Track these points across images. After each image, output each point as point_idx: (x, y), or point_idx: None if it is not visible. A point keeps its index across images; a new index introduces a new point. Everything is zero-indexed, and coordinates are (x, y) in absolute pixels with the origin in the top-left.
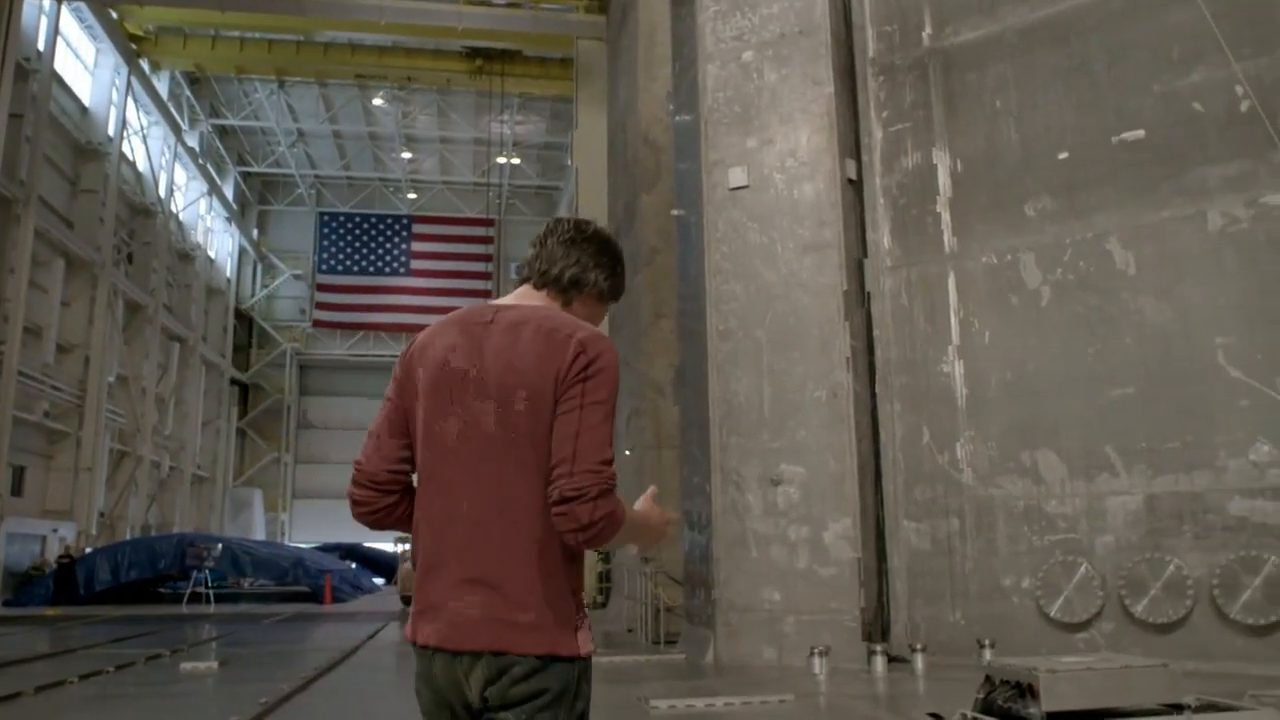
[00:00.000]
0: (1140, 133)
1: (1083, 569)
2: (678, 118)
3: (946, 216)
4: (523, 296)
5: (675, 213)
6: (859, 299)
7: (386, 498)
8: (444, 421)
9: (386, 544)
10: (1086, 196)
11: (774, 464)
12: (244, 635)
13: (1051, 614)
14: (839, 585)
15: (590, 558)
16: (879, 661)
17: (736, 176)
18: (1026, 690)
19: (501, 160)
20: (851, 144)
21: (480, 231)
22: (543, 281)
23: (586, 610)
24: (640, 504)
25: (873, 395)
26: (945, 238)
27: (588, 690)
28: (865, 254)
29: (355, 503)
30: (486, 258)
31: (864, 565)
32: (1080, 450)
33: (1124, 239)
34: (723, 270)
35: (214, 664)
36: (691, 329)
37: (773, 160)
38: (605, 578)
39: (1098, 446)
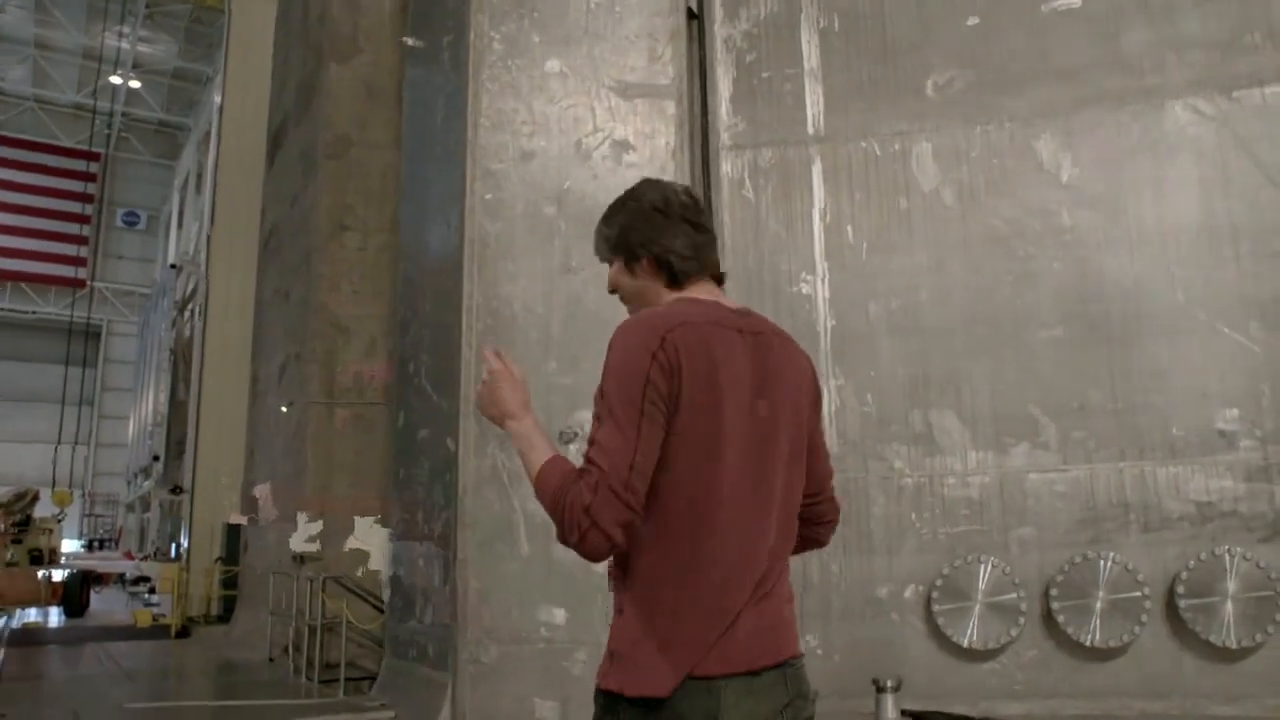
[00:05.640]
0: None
1: (993, 572)
2: None
3: (814, 85)
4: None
5: (410, 41)
6: (705, 174)
7: None
8: None
9: None
10: (1006, 75)
11: (566, 409)
12: None
13: (954, 637)
14: None
15: (206, 558)
16: None
17: None
18: None
19: (116, 80)
20: None
21: (80, 166)
22: None
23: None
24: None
25: None
26: (810, 113)
27: None
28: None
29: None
30: (87, 198)
31: None
32: (990, 411)
33: (1055, 133)
34: (498, 116)
35: None
36: (428, 201)
37: None
38: (229, 583)
39: (1015, 406)
